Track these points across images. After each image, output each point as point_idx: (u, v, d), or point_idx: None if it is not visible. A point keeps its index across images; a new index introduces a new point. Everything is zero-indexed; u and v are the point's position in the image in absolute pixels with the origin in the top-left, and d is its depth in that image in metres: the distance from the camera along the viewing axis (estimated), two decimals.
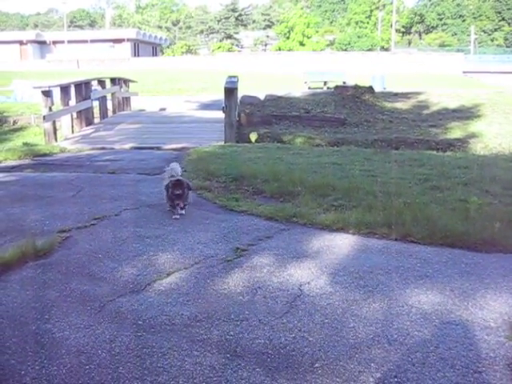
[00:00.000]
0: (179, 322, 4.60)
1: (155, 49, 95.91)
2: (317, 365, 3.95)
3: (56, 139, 15.60)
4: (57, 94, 16.20)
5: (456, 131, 20.41)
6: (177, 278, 5.44)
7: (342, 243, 6.38)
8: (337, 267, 5.64)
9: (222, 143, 14.86)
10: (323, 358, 4.04)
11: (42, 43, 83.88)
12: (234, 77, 17.11)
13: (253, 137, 18.01)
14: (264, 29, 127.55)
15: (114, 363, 4.01)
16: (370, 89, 25.93)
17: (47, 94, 15.18)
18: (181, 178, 7.44)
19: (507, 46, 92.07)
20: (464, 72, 56.04)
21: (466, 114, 22.62)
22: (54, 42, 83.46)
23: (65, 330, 4.48)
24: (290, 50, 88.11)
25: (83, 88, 17.73)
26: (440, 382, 3.77)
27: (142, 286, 5.27)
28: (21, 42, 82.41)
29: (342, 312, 4.70)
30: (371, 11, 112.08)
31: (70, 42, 79.73)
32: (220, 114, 17.38)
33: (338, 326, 4.48)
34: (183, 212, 7.41)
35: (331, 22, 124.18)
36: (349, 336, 4.33)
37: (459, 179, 9.52)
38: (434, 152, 14.15)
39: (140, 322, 4.59)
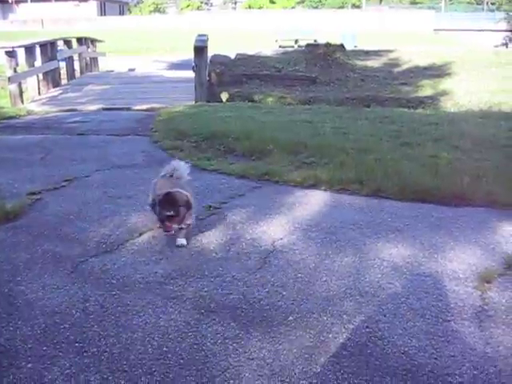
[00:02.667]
0: (153, 280, 4.60)
1: (122, 8, 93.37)
2: (290, 318, 4.01)
3: (22, 101, 15.24)
4: (21, 55, 15.77)
5: (427, 89, 20.48)
6: (149, 237, 5.42)
7: (314, 200, 6.41)
8: (309, 223, 5.68)
9: (193, 103, 14.68)
10: (296, 311, 4.10)
11: (4, 3, 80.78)
12: (204, 35, 16.80)
13: (224, 96, 17.84)
14: None
15: (89, 322, 4.01)
16: (341, 47, 25.74)
17: (11, 54, 14.76)
18: (175, 191, 5.03)
19: (478, 4, 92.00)
20: (435, 30, 55.93)
21: (436, 71, 22.67)
22: (17, 2, 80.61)
23: (38, 291, 4.45)
24: (260, 7, 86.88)
25: (49, 48, 17.27)
26: (410, 332, 3.85)
27: (114, 246, 5.24)
28: None
29: (314, 266, 4.76)
30: None
31: (33, 1, 77.17)
32: (190, 74, 17.14)
33: (311, 280, 4.54)
34: (184, 242, 5.20)
35: None
36: (321, 290, 4.39)
37: (429, 135, 9.60)
38: (405, 109, 14.22)
39: (114, 281, 4.58)
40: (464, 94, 18.38)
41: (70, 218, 5.96)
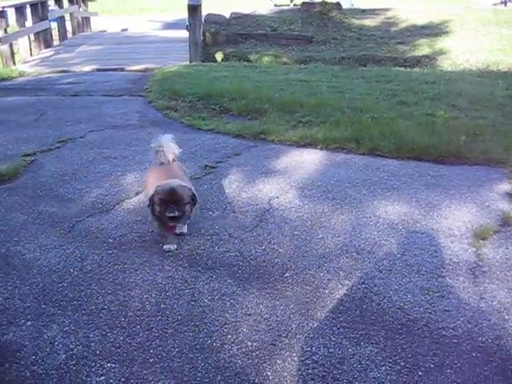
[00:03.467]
0: (150, 238, 4.61)
1: None
2: (287, 274, 4.04)
3: (14, 63, 15.04)
4: (11, 15, 15.48)
5: (424, 48, 20.20)
6: (146, 196, 5.41)
7: (310, 158, 6.40)
8: (305, 181, 5.67)
9: (187, 63, 14.50)
10: (293, 268, 4.12)
11: None
12: None
13: (218, 56, 17.60)
14: None
15: (87, 280, 4.03)
16: (338, 5, 25.30)
17: (1, 14, 14.51)
18: (177, 185, 4.25)
19: None
20: None
21: (434, 30, 22.35)
22: None
23: (35, 251, 4.46)
24: None
25: (39, 8, 16.95)
26: (406, 287, 3.89)
27: (110, 206, 5.24)
28: None
29: (310, 224, 4.77)
30: None
31: None
32: (185, 34, 16.89)
33: (307, 237, 4.56)
34: (185, 229, 4.67)
35: None
36: (318, 247, 4.41)
37: (426, 94, 9.53)
38: (402, 68, 14.08)
39: (110, 240, 4.60)
40: (462, 52, 18.15)
41: (65, 178, 5.94)
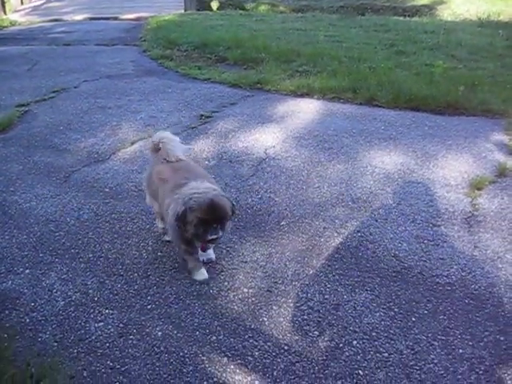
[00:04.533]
0: None
1: None
2: (283, 223, 4.05)
3: (5, 12, 14.73)
4: None
5: None
6: (141, 146, 5.39)
7: (306, 108, 6.35)
8: (302, 131, 5.64)
9: (182, 11, 14.24)
10: (289, 216, 4.14)
11: None
12: None
13: (214, 5, 17.24)
14: None
15: (84, 229, 4.04)
16: None
17: None
18: (217, 194, 3.22)
19: None
20: None
21: None
22: None
23: (31, 200, 4.46)
24: None
25: None
26: (401, 236, 3.91)
27: (106, 156, 5.22)
28: None
29: (307, 173, 4.76)
30: None
31: None
32: None
33: (304, 186, 4.56)
34: (213, 256, 3.68)
35: None
36: (314, 196, 4.42)
37: (425, 44, 9.40)
38: (401, 18, 13.84)
39: (107, 190, 4.59)
40: (462, 2, 17.81)
41: (60, 128, 5.89)
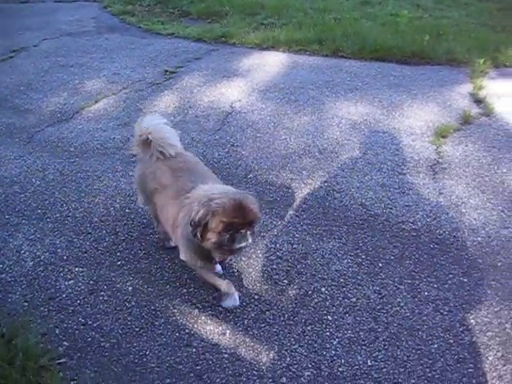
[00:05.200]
0: (112, 145, 4.55)
1: None
2: (250, 175, 4.06)
3: None
4: None
5: None
6: (105, 104, 5.30)
7: (272, 61, 6.28)
8: (268, 84, 5.60)
9: None
10: (256, 168, 4.14)
11: None
12: None
13: None
14: None
15: (49, 189, 3.99)
16: None
17: None
18: (243, 193, 2.73)
19: None
20: None
21: None
22: None
23: None
24: None
25: None
26: (367, 185, 3.96)
27: (70, 115, 5.12)
28: None
29: (273, 126, 4.75)
30: None
31: None
32: None
33: (270, 139, 4.55)
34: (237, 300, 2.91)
35: None
36: (281, 148, 4.42)
37: None
38: None
39: (72, 149, 4.52)
40: None
41: (20, 89, 5.74)
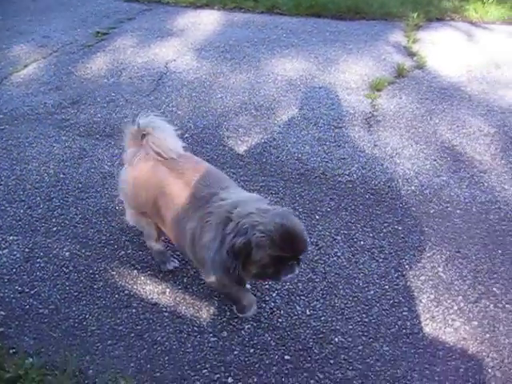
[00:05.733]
0: (43, 111, 4.41)
1: None
2: (186, 135, 3.99)
3: None
4: None
5: None
6: (35, 68, 5.11)
7: (207, 19, 6.18)
8: (203, 43, 5.51)
9: None
10: (192, 128, 4.09)
11: None
12: None
13: None
14: None
15: None
16: None
17: None
18: (288, 215, 2.22)
19: None
20: None
21: None
22: None
23: None
24: None
25: None
26: (304, 139, 3.98)
27: None
28: None
29: (209, 85, 4.69)
30: None
31: None
32: None
33: (206, 98, 4.50)
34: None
35: None
36: (217, 106, 4.37)
37: None
38: None
39: (1, 116, 4.36)
40: None
41: None
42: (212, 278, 2.47)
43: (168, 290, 2.79)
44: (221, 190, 2.40)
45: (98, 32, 5.79)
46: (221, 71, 4.91)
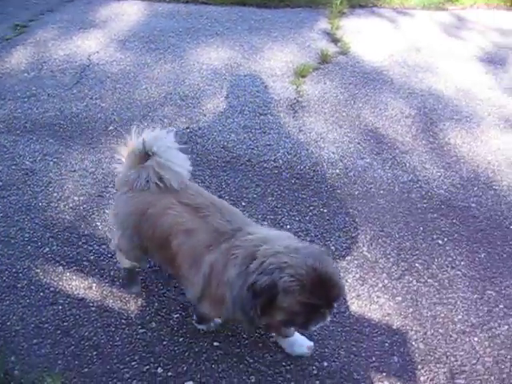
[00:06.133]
0: None
1: None
2: (111, 128, 3.95)
3: None
4: None
5: None
6: None
7: (131, 10, 6.06)
8: (126, 34, 5.41)
9: None
10: (117, 120, 4.03)
11: None
12: None
13: None
14: None
15: None
16: None
17: None
18: (318, 254, 2.01)
19: None
20: None
21: None
22: None
23: None
24: None
25: None
26: (229, 127, 3.98)
27: None
28: None
29: (133, 76, 4.62)
30: None
31: None
32: None
33: (131, 89, 4.43)
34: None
35: None
36: (142, 97, 4.32)
37: None
38: None
39: None
40: None
41: None
42: (240, 316, 2.11)
43: (94, 284, 2.76)
44: (246, 226, 2.22)
45: (17, 25, 5.60)
46: (145, 62, 4.85)
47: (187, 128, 3.95)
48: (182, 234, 2.23)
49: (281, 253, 1.96)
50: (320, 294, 1.92)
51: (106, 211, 3.19)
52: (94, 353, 2.46)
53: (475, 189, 3.74)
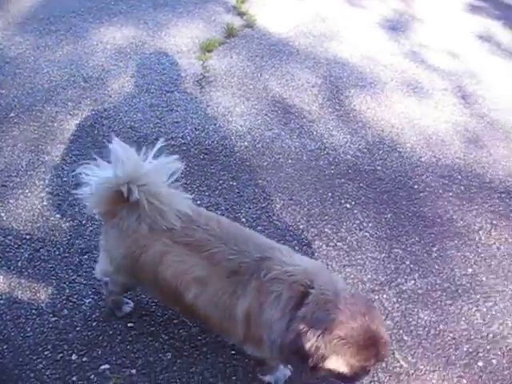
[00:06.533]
0: None
1: None
2: (12, 114, 3.80)
3: None
4: None
5: None
6: None
7: None
8: (25, 16, 5.17)
9: None
10: (18, 106, 3.88)
11: None
12: None
13: None
14: None
15: None
16: None
17: None
18: (369, 305, 1.91)
19: None
20: None
21: None
22: None
23: None
24: None
25: None
26: (136, 107, 3.94)
27: None
28: None
29: (34, 60, 4.46)
30: None
31: None
32: None
33: (31, 74, 4.26)
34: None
35: None
36: (43, 81, 4.17)
37: None
38: None
39: None
40: None
41: None
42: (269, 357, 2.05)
43: (1, 276, 2.70)
44: (270, 251, 1.96)
45: None
46: (46, 45, 4.67)
47: (92, 110, 3.88)
48: (192, 284, 1.98)
49: (331, 302, 1.80)
50: (370, 356, 1.78)
51: (11, 201, 3.11)
52: (5, 346, 2.42)
53: (380, 152, 3.88)
